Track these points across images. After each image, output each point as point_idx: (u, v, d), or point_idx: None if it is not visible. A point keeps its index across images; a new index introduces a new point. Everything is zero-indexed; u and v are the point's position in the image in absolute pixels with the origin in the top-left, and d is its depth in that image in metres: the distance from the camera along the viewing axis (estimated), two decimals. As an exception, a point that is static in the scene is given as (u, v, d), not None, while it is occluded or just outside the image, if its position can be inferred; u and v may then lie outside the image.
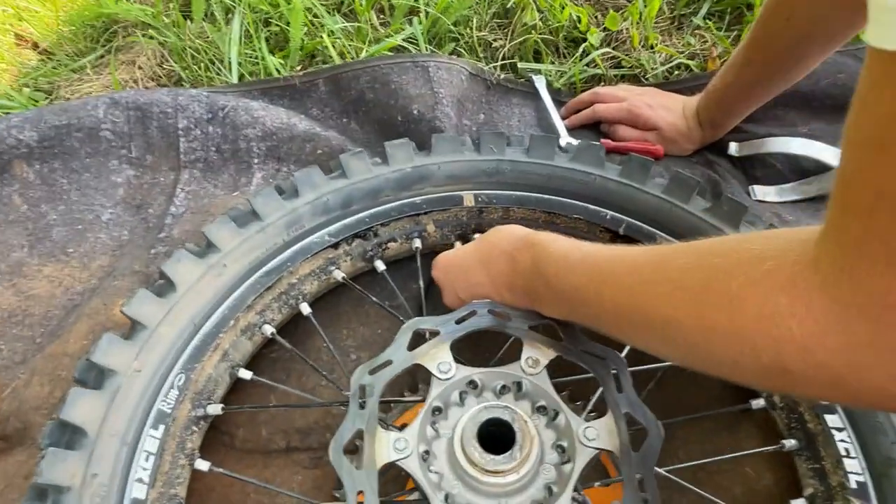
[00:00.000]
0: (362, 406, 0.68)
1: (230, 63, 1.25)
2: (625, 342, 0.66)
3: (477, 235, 0.94)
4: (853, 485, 0.69)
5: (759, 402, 0.81)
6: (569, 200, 0.92)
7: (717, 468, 0.83)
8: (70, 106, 1.12)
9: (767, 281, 0.44)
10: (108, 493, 0.68)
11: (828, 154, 1.10)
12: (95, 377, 0.74)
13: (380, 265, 0.93)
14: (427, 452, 0.67)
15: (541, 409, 0.70)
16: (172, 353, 0.78)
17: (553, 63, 1.28)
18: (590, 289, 0.61)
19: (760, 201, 1.07)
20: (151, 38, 1.33)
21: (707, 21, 1.32)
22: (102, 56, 1.36)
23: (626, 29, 1.30)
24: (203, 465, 0.77)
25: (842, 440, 0.71)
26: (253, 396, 0.91)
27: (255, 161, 1.13)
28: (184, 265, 0.82)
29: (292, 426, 0.89)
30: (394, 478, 0.86)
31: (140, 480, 0.70)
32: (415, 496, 0.76)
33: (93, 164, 1.12)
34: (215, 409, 0.80)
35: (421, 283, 0.90)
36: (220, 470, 0.78)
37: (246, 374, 0.84)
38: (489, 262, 0.76)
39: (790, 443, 0.76)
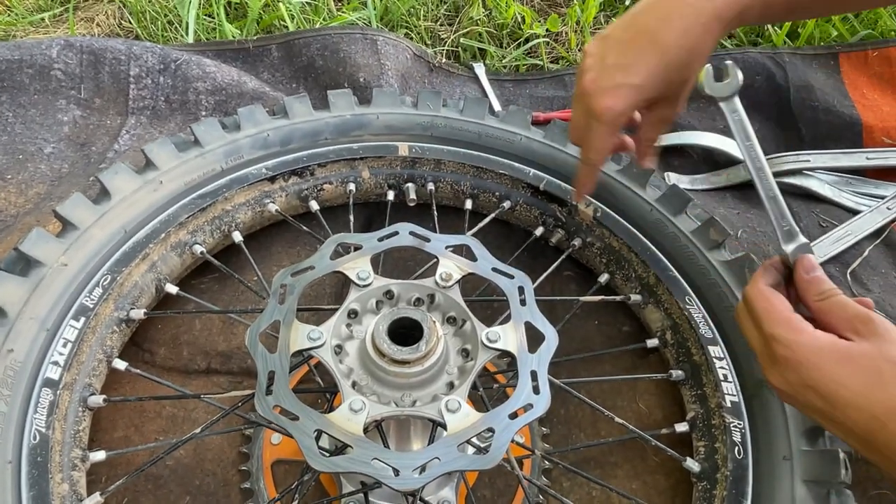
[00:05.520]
0: (282, 303, 0.72)
1: (187, 25, 1.30)
2: None
3: (409, 185, 1.00)
4: (728, 404, 0.76)
5: (653, 342, 0.87)
6: (496, 157, 0.98)
7: (614, 405, 0.89)
8: (24, 43, 1.15)
9: None
10: (22, 368, 0.69)
11: (737, 149, 1.20)
12: (22, 266, 0.76)
13: (314, 205, 0.98)
14: (339, 348, 0.71)
15: (451, 320, 0.75)
16: (101, 255, 0.80)
17: (496, 49, 1.36)
18: None
19: (674, 186, 1.16)
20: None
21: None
22: (62, 13, 1.40)
23: (566, 32, 1.41)
24: (120, 364, 0.80)
25: (721, 367, 0.78)
26: (177, 320, 0.93)
27: (203, 113, 1.17)
28: (121, 177, 0.86)
29: (215, 349, 0.91)
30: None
31: (56, 363, 0.72)
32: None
33: (41, 100, 1.14)
34: (138, 313, 0.82)
35: (351, 222, 0.95)
36: (137, 371, 0.80)
37: (172, 289, 0.87)
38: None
39: (677, 373, 0.83)
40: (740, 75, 0.70)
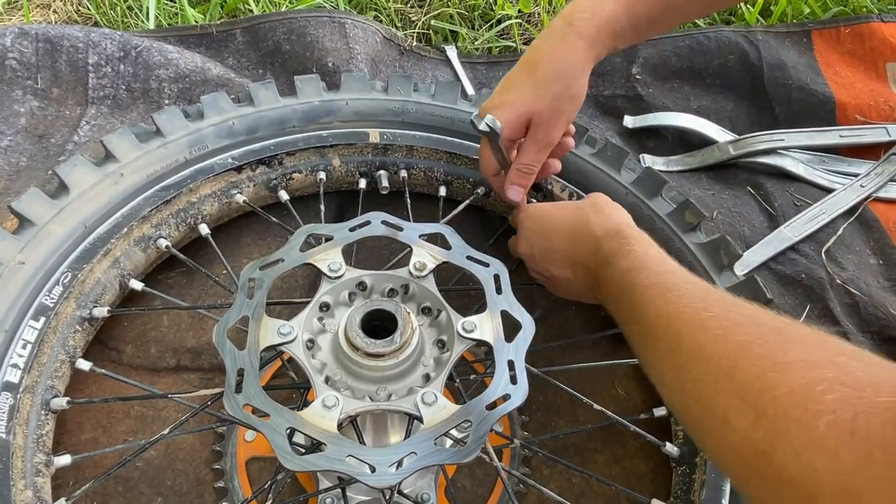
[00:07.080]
0: (250, 297, 0.70)
1: (148, 11, 1.25)
2: (650, 368, 0.60)
3: (382, 172, 0.98)
4: (707, 387, 0.75)
5: (632, 326, 0.86)
6: (470, 143, 0.96)
7: (593, 390, 0.88)
8: (-25, 32, 1.10)
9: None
10: (-22, 373, 0.66)
11: (711, 130, 1.19)
12: (-24, 266, 0.73)
13: (283, 195, 0.95)
14: (312, 342, 0.69)
15: (425, 311, 0.73)
16: (60, 252, 0.77)
17: (468, 31, 1.34)
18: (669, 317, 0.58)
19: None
20: (68, -17, 1.32)
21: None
22: (16, 0, 1.34)
23: (538, 13, 1.38)
24: (85, 364, 0.77)
25: (700, 350, 0.77)
26: (144, 316, 0.90)
27: (166, 102, 1.13)
28: (79, 170, 0.82)
29: (184, 345, 0.89)
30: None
31: (15, 366, 0.69)
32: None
33: (-6, 91, 1.09)
34: (101, 311, 0.79)
35: (322, 212, 0.92)
36: (103, 371, 0.77)
37: (137, 285, 0.84)
38: (577, 234, 0.77)
39: (656, 357, 0.82)
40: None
